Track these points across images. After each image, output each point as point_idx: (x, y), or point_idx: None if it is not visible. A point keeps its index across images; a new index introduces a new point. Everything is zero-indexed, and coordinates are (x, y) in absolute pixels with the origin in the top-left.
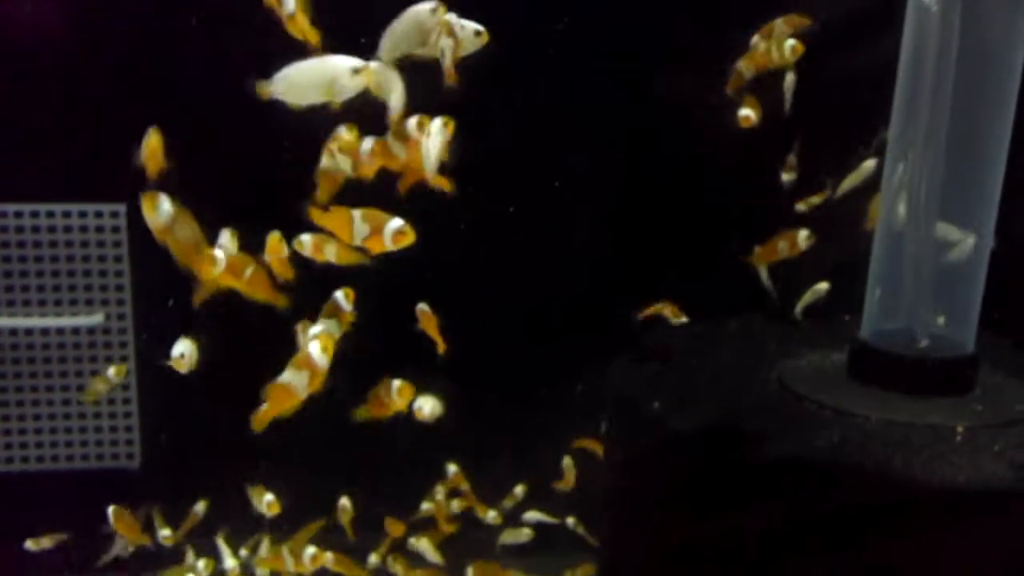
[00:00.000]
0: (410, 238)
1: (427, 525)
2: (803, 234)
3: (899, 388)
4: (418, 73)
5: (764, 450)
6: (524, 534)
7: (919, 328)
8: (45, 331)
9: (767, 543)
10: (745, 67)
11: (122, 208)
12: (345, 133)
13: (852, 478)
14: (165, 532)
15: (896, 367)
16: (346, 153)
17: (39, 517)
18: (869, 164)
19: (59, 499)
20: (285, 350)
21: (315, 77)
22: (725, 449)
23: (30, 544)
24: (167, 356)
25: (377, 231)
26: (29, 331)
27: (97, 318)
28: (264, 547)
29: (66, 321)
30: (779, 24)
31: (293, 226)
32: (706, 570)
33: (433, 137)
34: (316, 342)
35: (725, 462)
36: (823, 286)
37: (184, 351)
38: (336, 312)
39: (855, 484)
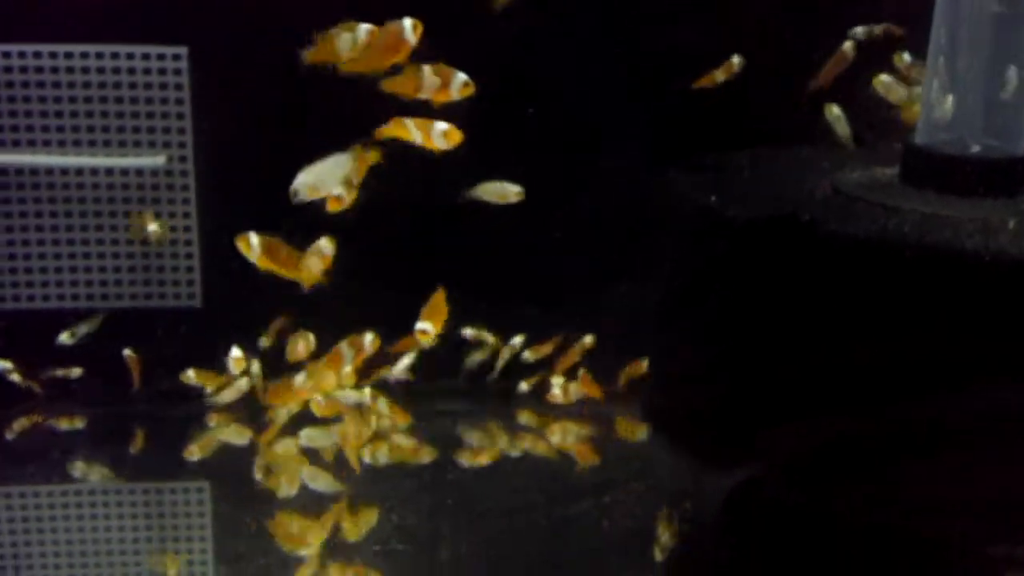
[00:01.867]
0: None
1: None
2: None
3: (950, 189)
4: None
5: (816, 232)
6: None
7: (971, 134)
8: (109, 171)
9: (814, 319)
10: None
11: (184, 51)
12: None
13: (905, 254)
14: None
15: (947, 167)
16: None
17: (102, 354)
18: None
19: (121, 337)
20: None
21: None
22: (779, 232)
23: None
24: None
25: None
26: (94, 171)
27: (159, 160)
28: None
29: (129, 162)
30: None
31: None
32: (757, 344)
33: None
34: None
35: (780, 245)
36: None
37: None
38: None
39: (908, 260)
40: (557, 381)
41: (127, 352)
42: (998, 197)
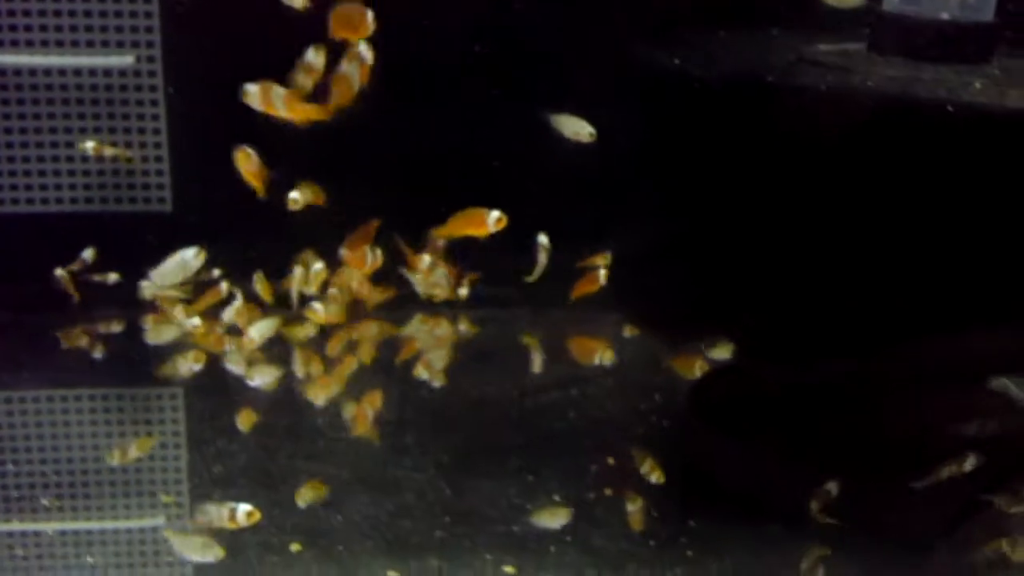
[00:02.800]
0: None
1: None
2: None
3: (917, 56)
4: None
5: (784, 85)
6: None
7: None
8: (77, 71)
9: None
10: None
11: None
12: None
13: (870, 98)
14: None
15: (914, 34)
16: None
17: (71, 256)
18: None
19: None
20: None
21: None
22: (746, 88)
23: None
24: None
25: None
26: (62, 71)
27: (127, 60)
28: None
29: (96, 61)
30: None
31: None
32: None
33: None
34: None
35: (741, 106)
36: None
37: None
38: None
39: (873, 102)
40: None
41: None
42: (966, 63)
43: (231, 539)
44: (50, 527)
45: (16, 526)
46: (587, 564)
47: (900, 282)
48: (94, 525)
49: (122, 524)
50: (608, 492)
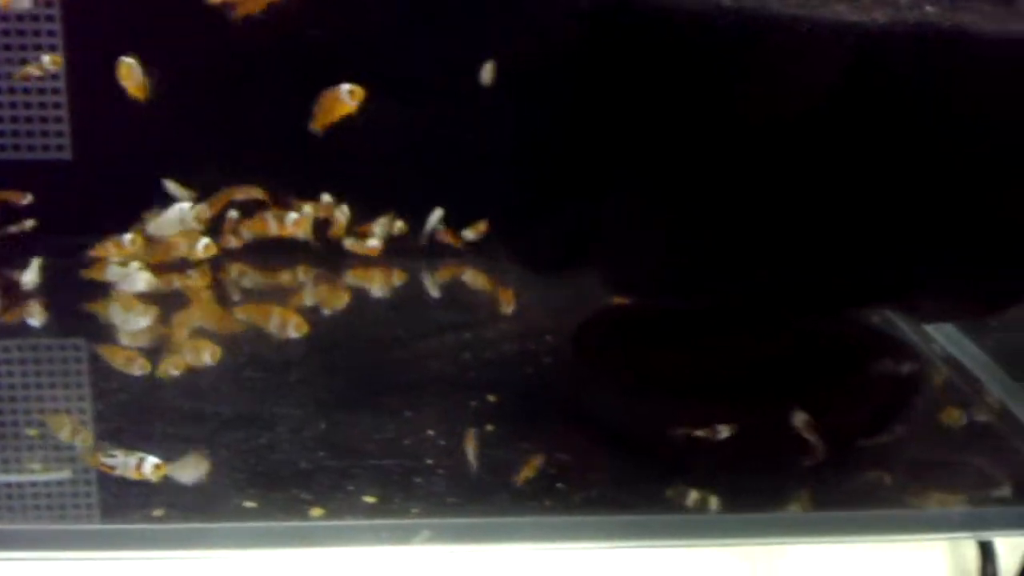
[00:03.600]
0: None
1: None
2: None
3: None
4: None
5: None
6: None
7: None
8: None
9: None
10: None
11: None
12: None
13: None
14: None
15: None
16: None
17: None
18: None
19: None
20: None
21: None
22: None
23: None
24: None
25: None
26: None
27: (24, 3)
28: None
29: None
30: None
31: None
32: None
33: None
34: None
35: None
36: None
37: None
38: None
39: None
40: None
41: None
42: None
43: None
44: None
45: None
46: (451, 495)
47: (776, 213)
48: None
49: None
50: (489, 428)
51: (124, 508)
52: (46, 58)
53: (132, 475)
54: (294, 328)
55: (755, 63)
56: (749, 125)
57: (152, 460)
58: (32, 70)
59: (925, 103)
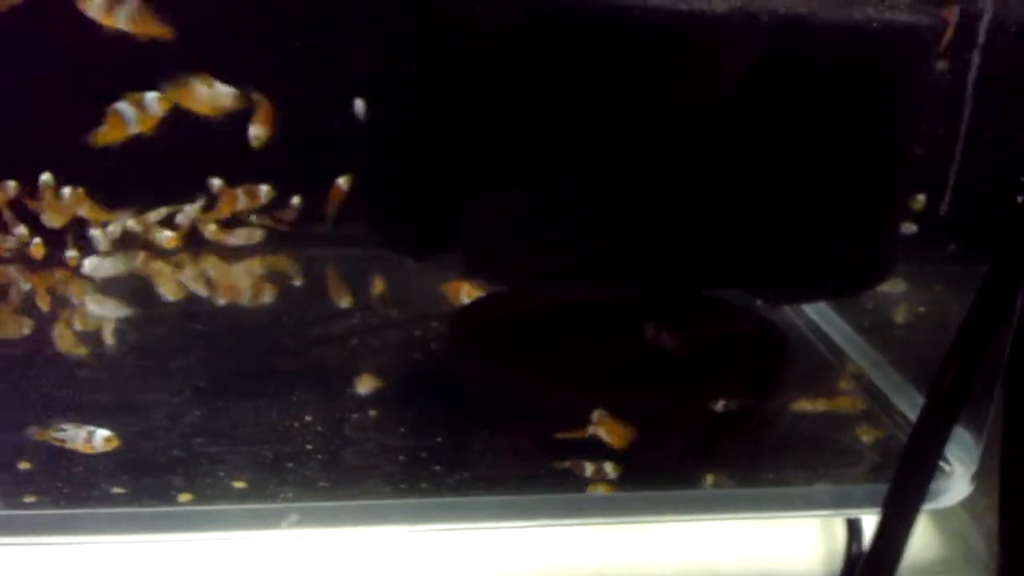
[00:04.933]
0: None
1: None
2: None
3: None
4: None
5: None
6: None
7: None
8: None
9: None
10: None
11: None
12: None
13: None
14: None
15: None
16: None
17: None
18: None
19: None
20: None
21: None
22: None
23: None
24: None
25: None
26: None
27: None
28: None
29: None
30: None
31: None
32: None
33: None
34: None
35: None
36: None
37: None
38: None
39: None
40: None
41: None
42: None
43: None
44: None
45: None
46: (325, 479)
47: (629, 198)
48: None
49: None
50: (372, 413)
51: None
52: None
53: (81, 448)
54: None
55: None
56: (605, 113)
57: (103, 433)
58: None
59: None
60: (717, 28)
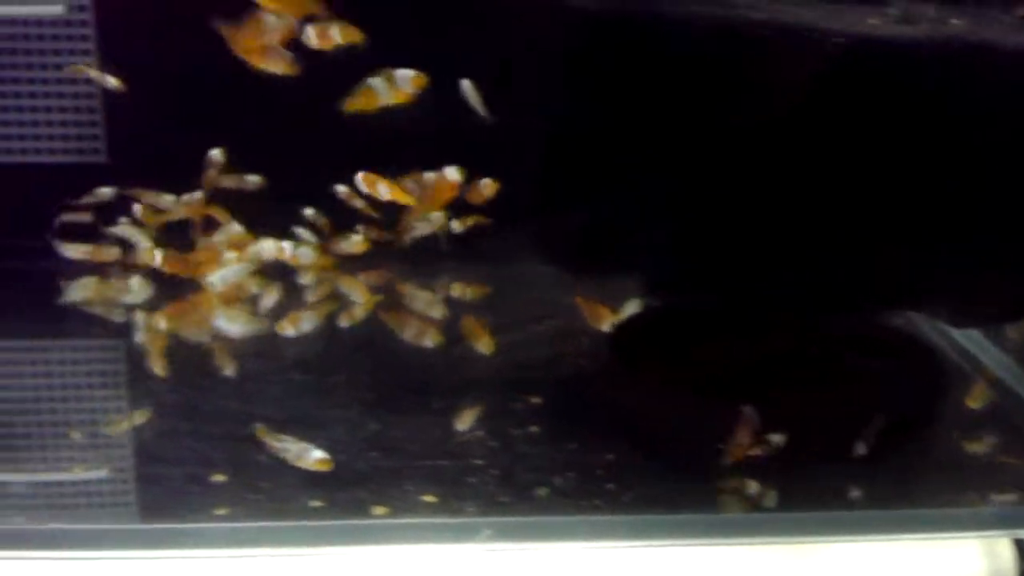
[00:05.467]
0: None
1: None
2: None
3: None
4: None
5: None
6: None
7: None
8: (3, 21)
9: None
10: None
11: None
12: None
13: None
14: None
15: None
16: None
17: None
18: None
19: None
20: None
21: None
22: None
23: None
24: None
25: None
26: None
27: (57, 8)
28: None
29: (26, 10)
30: None
31: None
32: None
33: None
34: None
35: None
36: None
37: None
38: None
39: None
40: None
41: None
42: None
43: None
44: None
45: None
46: (505, 494)
47: (798, 213)
48: None
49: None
50: (534, 429)
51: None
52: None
53: (294, 462)
54: None
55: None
56: (770, 127)
57: (318, 454)
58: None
59: (952, 111)
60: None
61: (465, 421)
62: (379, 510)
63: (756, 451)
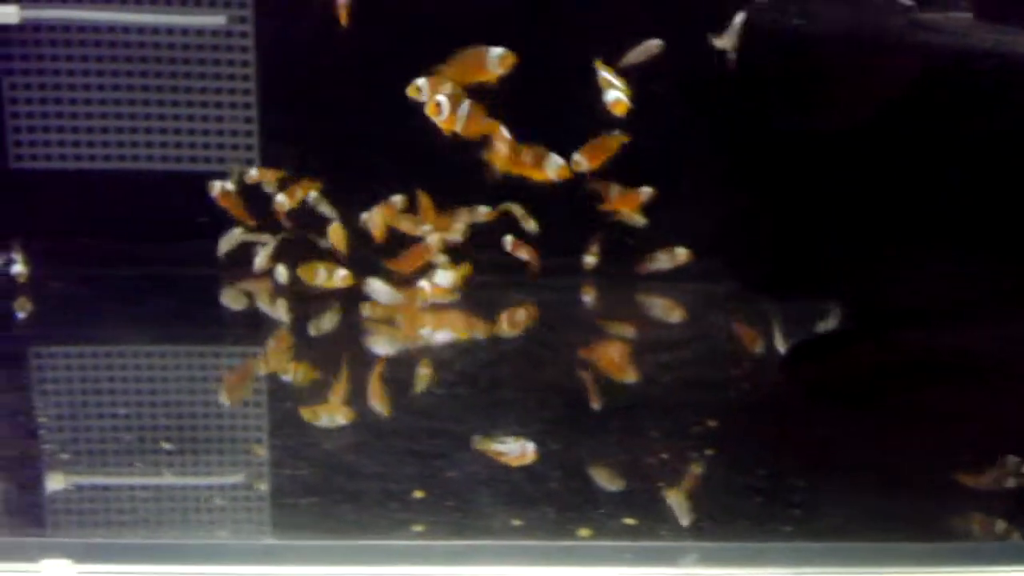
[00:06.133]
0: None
1: None
2: None
3: None
4: None
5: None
6: None
7: None
8: (170, 30)
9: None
10: None
11: None
12: None
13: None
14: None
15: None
16: None
17: (159, 215)
18: None
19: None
20: None
21: None
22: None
23: None
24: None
25: None
26: (155, 29)
27: (219, 19)
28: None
29: (189, 20)
30: None
31: None
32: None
33: None
34: None
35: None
36: None
37: None
38: None
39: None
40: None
41: None
42: None
43: (357, 493)
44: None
45: None
46: (702, 516)
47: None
48: None
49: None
50: (709, 452)
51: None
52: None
53: (514, 461)
54: None
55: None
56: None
57: (532, 447)
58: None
59: None
60: None
61: (646, 442)
62: (583, 531)
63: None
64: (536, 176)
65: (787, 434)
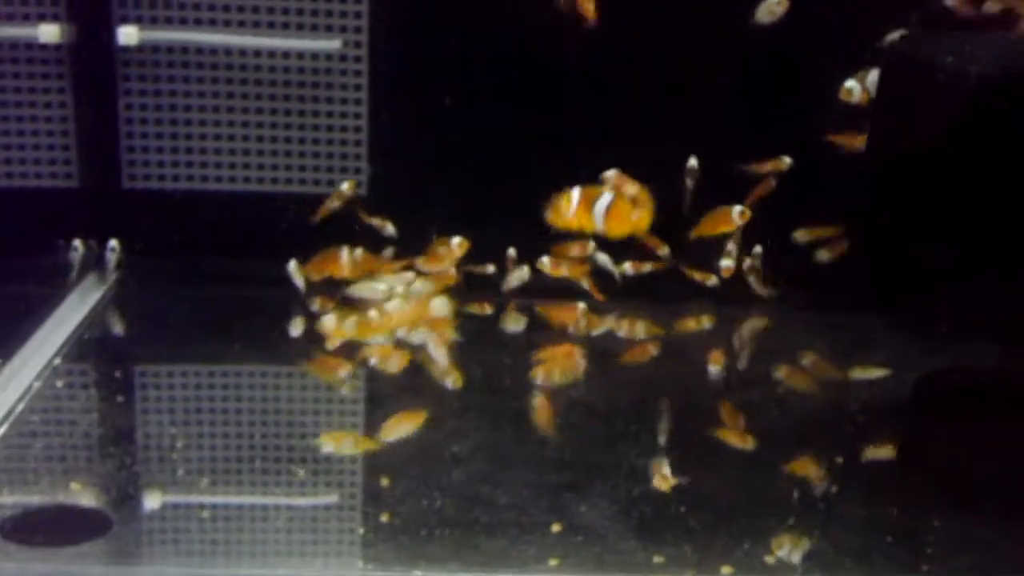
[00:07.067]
0: None
1: None
2: None
3: None
4: None
5: None
6: None
7: None
8: (286, 54)
9: None
10: None
11: None
12: None
13: None
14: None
15: None
16: None
17: (266, 234)
18: None
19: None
20: None
21: None
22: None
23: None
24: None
25: None
26: (271, 52)
27: (335, 44)
28: None
29: (304, 44)
30: None
31: None
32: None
33: None
34: None
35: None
36: None
37: None
38: None
39: None
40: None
41: None
42: None
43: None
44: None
45: None
46: (830, 553)
47: None
48: None
49: None
50: (834, 488)
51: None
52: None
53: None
54: None
55: None
56: None
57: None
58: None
59: None
60: None
61: (767, 477)
62: (726, 569)
63: None
64: None
65: (921, 469)
